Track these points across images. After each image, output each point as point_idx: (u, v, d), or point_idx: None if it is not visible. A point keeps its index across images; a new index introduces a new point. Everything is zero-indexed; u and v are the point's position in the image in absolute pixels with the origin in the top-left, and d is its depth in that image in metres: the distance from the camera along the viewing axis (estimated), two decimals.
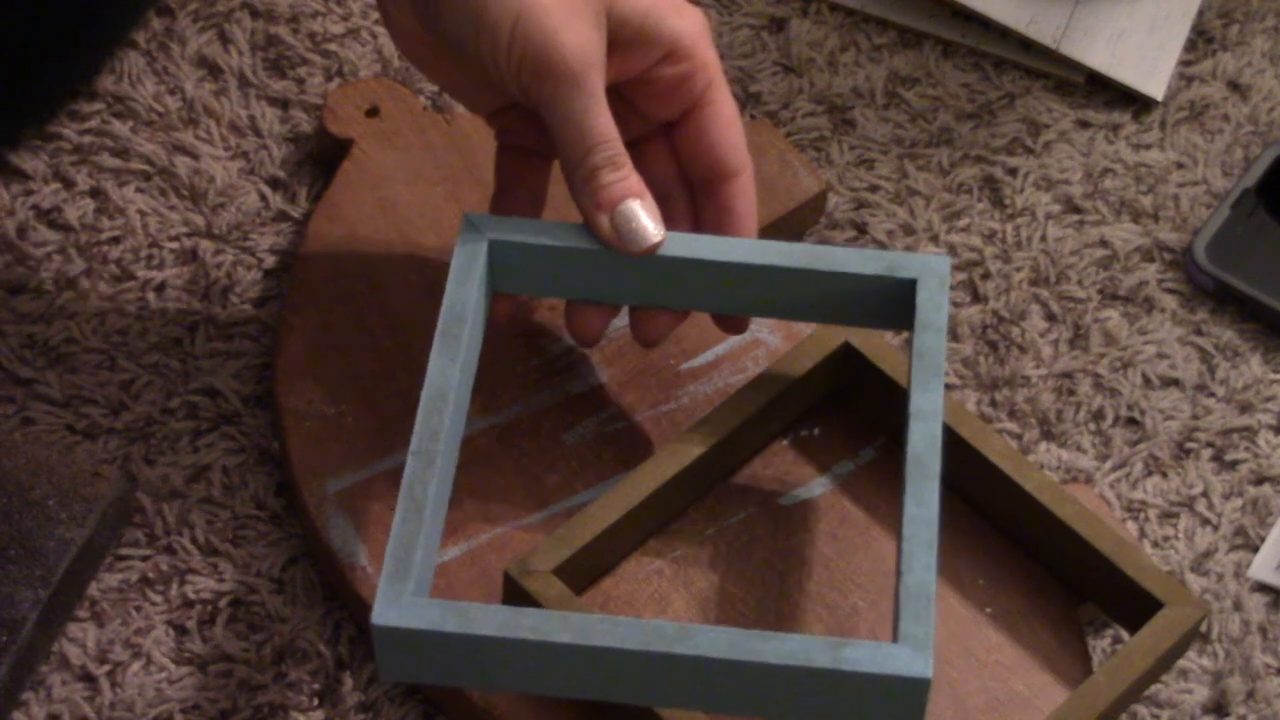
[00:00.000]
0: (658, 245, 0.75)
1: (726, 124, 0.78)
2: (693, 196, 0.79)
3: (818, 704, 0.69)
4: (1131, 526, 0.85)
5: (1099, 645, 0.82)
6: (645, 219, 0.75)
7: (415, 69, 0.80)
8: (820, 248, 0.77)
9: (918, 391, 0.74)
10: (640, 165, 0.77)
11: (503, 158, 0.81)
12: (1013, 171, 0.95)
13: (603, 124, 0.74)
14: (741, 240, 0.77)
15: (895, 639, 0.69)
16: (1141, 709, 0.80)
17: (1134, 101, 0.98)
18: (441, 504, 0.73)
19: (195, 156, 0.91)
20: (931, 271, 0.76)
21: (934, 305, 0.75)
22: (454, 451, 0.75)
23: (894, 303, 0.77)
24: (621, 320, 0.85)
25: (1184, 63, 0.99)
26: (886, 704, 0.69)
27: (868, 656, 0.68)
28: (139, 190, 0.90)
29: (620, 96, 0.77)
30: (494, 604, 0.69)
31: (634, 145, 0.78)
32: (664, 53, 0.76)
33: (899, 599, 0.69)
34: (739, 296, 0.77)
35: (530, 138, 0.80)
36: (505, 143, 0.81)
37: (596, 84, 0.74)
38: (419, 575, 0.70)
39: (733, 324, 0.80)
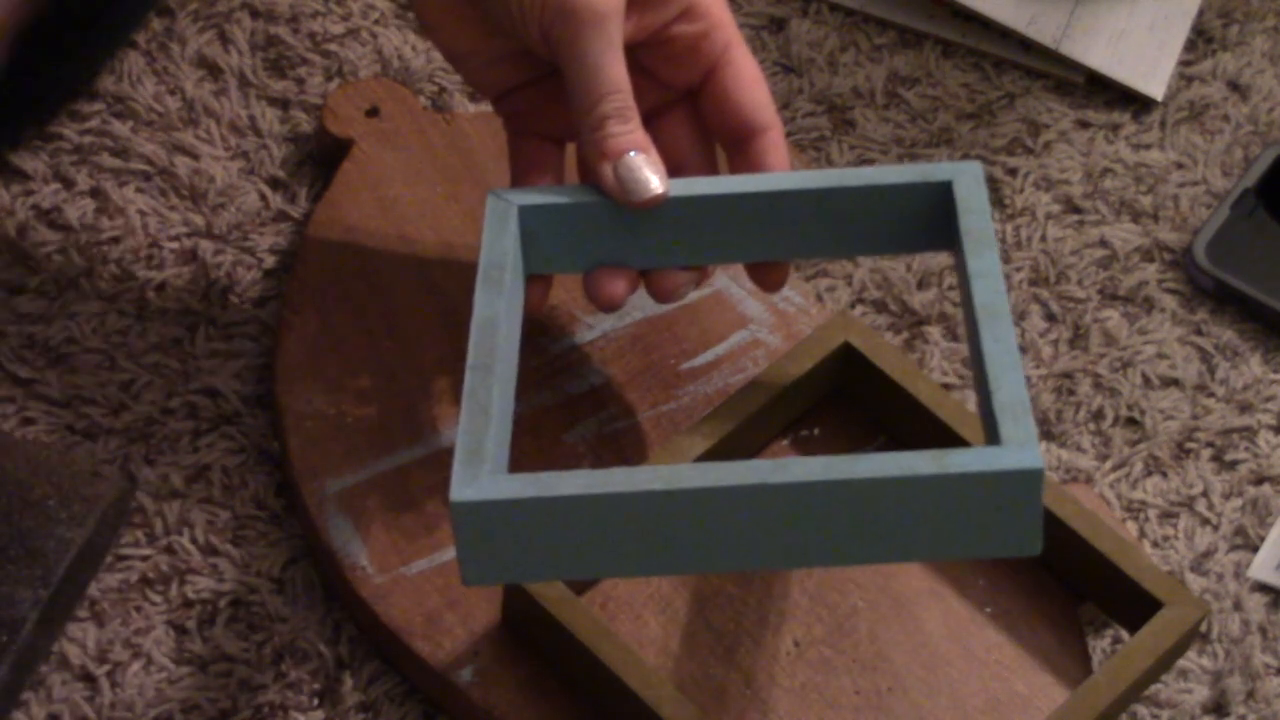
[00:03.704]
0: (660, 197, 0.74)
1: (750, 81, 0.77)
2: (716, 170, 0.79)
3: (923, 529, 0.65)
4: (1131, 526, 0.85)
5: (1099, 645, 0.82)
6: (648, 170, 0.74)
7: (429, 39, 0.79)
8: (847, 170, 0.76)
9: (973, 258, 0.72)
10: (663, 136, 0.77)
11: (516, 145, 0.80)
12: (1013, 171, 0.95)
13: (617, 71, 0.74)
14: (767, 174, 0.76)
15: (996, 443, 0.66)
16: (1141, 709, 0.80)
17: (1134, 101, 0.98)
18: (506, 415, 0.71)
19: (195, 156, 0.91)
20: (965, 172, 0.75)
21: (974, 196, 0.74)
22: (511, 375, 0.72)
23: (931, 217, 0.75)
24: (622, 320, 0.85)
25: (1184, 63, 0.99)
26: (998, 512, 0.65)
27: (974, 458, 0.65)
28: (139, 190, 0.90)
29: (640, 66, 0.77)
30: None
31: (656, 115, 0.78)
32: (680, 10, 0.76)
33: (992, 415, 0.67)
34: (771, 236, 0.76)
35: (540, 121, 0.79)
36: (515, 130, 0.80)
37: (615, 30, 0.73)
38: (494, 459, 0.67)
39: (770, 276, 0.78)
